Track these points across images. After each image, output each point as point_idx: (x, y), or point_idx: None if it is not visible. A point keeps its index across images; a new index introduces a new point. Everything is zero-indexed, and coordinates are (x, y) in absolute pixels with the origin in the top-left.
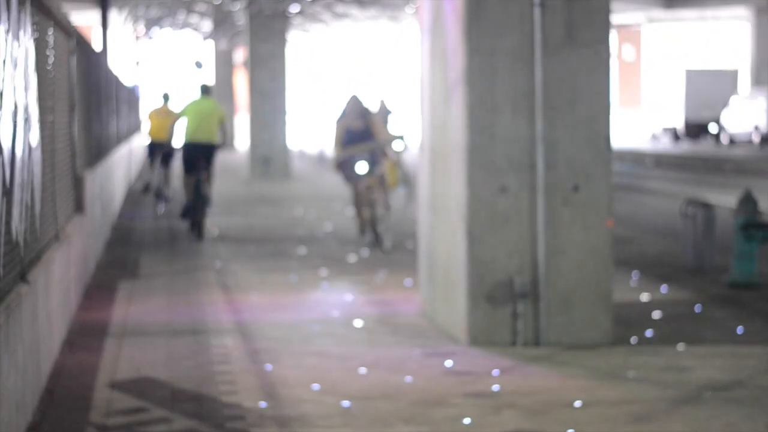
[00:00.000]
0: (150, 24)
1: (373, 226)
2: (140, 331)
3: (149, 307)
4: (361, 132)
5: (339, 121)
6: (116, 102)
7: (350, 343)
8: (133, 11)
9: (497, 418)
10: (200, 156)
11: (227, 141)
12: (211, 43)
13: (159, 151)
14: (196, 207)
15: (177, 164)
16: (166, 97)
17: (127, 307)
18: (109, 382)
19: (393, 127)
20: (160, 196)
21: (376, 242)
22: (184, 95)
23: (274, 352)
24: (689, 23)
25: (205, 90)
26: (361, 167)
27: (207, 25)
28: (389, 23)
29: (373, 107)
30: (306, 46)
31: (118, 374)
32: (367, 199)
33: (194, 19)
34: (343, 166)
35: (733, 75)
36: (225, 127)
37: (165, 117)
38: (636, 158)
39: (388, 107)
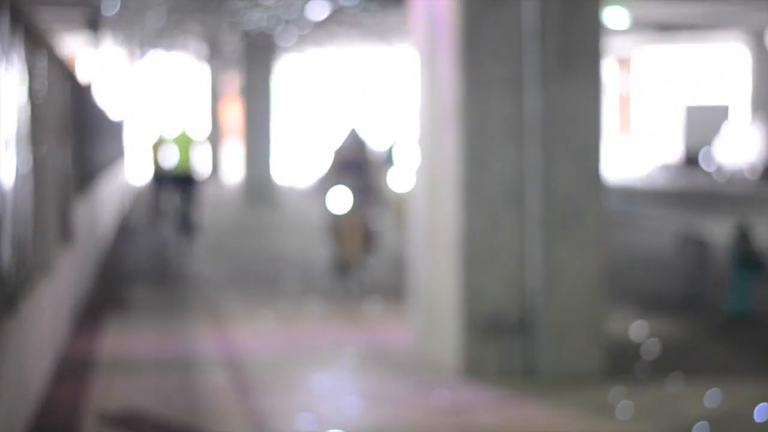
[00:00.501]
0: (140, 49)
1: (355, 267)
2: (129, 364)
3: (139, 338)
4: (356, 162)
5: (337, 151)
6: (107, 131)
7: (339, 375)
8: (123, 37)
9: None
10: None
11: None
12: (201, 70)
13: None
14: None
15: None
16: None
17: (117, 338)
18: (97, 414)
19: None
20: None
21: (348, 288)
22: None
23: (263, 383)
24: (683, 52)
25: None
26: (345, 198)
27: (198, 50)
28: (382, 45)
29: (379, 144)
30: (297, 70)
31: (106, 406)
32: (350, 233)
33: (186, 44)
34: (326, 190)
35: (725, 109)
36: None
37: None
38: (629, 189)
39: (393, 147)
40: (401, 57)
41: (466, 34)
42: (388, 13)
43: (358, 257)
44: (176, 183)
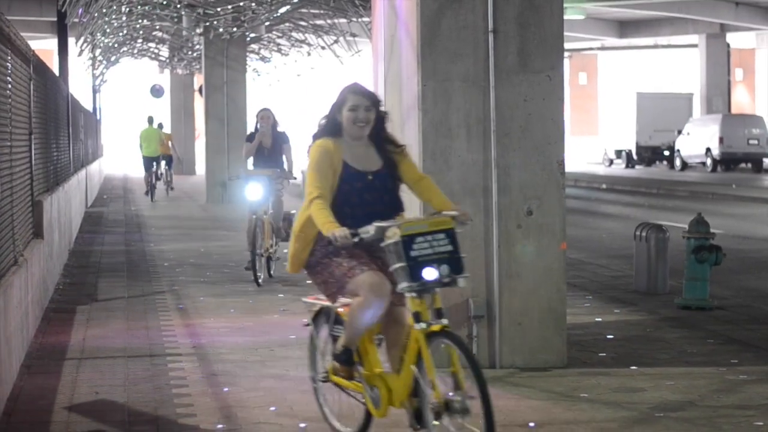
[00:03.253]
0: (108, 51)
1: (266, 258)
2: (98, 354)
3: (107, 331)
4: (272, 152)
5: (249, 139)
6: (75, 127)
7: (307, 366)
8: (91, 38)
9: None
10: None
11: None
12: (168, 69)
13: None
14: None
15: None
16: (150, 120)
17: (86, 330)
18: (67, 404)
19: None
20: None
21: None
22: (144, 119)
23: (232, 374)
24: (643, 50)
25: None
26: (254, 192)
27: (165, 51)
28: (346, 51)
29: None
30: (264, 71)
31: (76, 397)
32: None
33: (152, 45)
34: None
35: (686, 99)
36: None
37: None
38: (590, 182)
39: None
40: (364, 59)
41: (426, 31)
42: (353, 20)
43: (270, 249)
44: (153, 161)
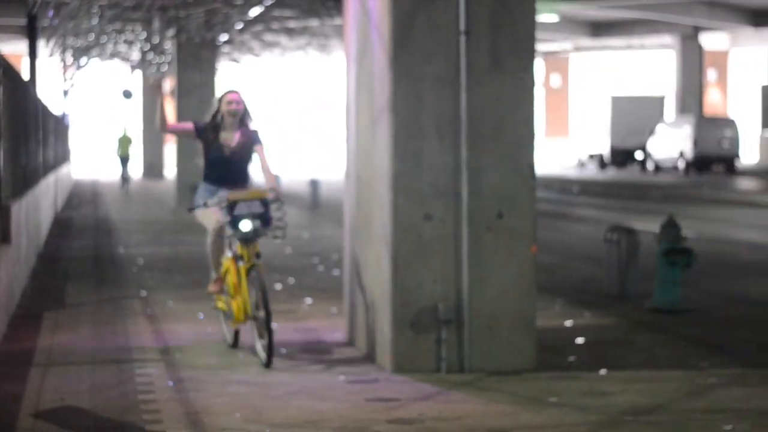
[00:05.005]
0: (78, 54)
1: (264, 323)
2: (65, 361)
3: (74, 336)
4: (239, 157)
5: (203, 130)
6: (44, 131)
7: (275, 371)
8: (61, 41)
9: None
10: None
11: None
12: (139, 72)
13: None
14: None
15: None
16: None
17: (53, 336)
18: (33, 411)
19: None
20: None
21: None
22: (115, 123)
23: (199, 380)
24: (616, 51)
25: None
26: (246, 225)
27: (135, 54)
28: (318, 53)
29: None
30: (236, 75)
31: (42, 404)
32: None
33: (123, 48)
34: (230, 218)
35: (659, 101)
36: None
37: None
38: (562, 185)
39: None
40: (337, 62)
41: (398, 32)
42: (326, 20)
43: (253, 315)
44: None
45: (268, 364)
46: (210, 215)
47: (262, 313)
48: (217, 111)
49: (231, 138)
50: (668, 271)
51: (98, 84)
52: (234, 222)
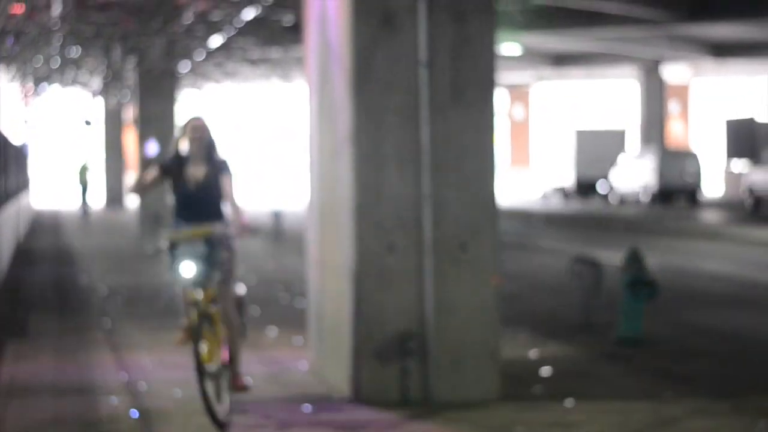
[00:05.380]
0: (39, 81)
1: (215, 373)
2: (27, 391)
3: (37, 366)
4: (207, 191)
5: (168, 168)
6: (4, 161)
7: (239, 401)
8: (22, 68)
9: None
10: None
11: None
12: (100, 100)
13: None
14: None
15: None
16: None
17: (15, 366)
18: None
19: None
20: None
21: (208, 403)
22: (76, 151)
23: (163, 411)
24: (578, 82)
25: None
26: (188, 269)
27: (96, 82)
28: (280, 82)
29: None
30: (197, 104)
31: None
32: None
33: (83, 76)
34: (172, 261)
35: (621, 134)
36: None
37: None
38: (526, 217)
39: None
40: (298, 91)
41: (358, 63)
42: (287, 50)
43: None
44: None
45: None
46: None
47: (219, 372)
48: (176, 140)
49: (198, 171)
50: (632, 303)
51: (59, 111)
52: (175, 265)
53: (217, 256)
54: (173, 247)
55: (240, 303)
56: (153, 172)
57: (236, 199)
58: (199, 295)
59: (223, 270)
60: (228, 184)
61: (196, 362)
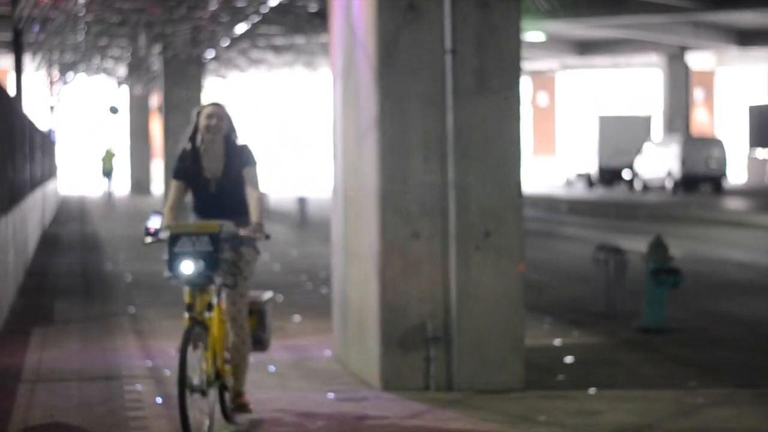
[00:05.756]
0: (64, 69)
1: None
2: (53, 377)
3: (63, 353)
4: (228, 188)
5: (183, 169)
6: (31, 147)
7: (263, 388)
8: (47, 56)
9: None
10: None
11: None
12: (126, 88)
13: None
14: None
15: None
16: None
17: (41, 352)
18: (21, 427)
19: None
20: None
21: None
22: (101, 138)
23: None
24: (603, 70)
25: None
26: (186, 267)
27: (122, 70)
28: (304, 70)
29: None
30: (222, 92)
31: (30, 420)
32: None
33: (109, 64)
34: (168, 256)
35: (646, 121)
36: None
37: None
38: (550, 204)
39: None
40: (323, 79)
41: (383, 50)
42: (312, 37)
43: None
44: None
45: None
46: None
47: (208, 386)
48: (195, 130)
49: (215, 165)
50: (655, 291)
51: (85, 99)
52: (172, 262)
53: (219, 257)
54: (174, 240)
55: (259, 312)
56: (174, 189)
57: (260, 194)
58: (196, 297)
59: (230, 273)
60: (251, 176)
61: (179, 373)
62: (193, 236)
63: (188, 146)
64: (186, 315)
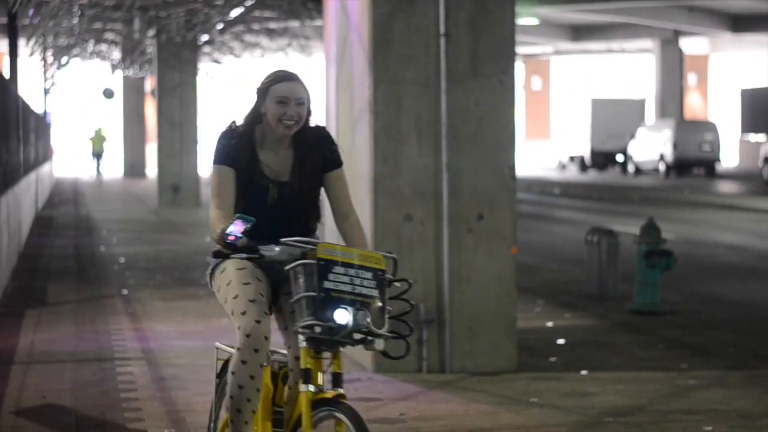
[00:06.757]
0: (59, 52)
1: None
2: (46, 359)
3: (56, 335)
4: (296, 196)
5: (235, 158)
6: (25, 129)
7: None
8: (42, 40)
9: None
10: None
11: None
12: (120, 71)
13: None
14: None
15: None
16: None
17: (34, 334)
18: (14, 409)
19: None
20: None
21: None
22: (95, 121)
23: (181, 379)
24: (597, 55)
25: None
26: (343, 317)
27: (116, 53)
28: (299, 54)
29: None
30: (217, 75)
31: (23, 402)
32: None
33: (103, 47)
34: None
35: (639, 104)
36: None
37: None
38: (543, 187)
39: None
40: (317, 64)
41: (377, 34)
42: (306, 21)
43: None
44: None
45: None
46: (249, 291)
47: None
48: (258, 113)
49: (282, 163)
50: (648, 273)
51: (79, 83)
52: (325, 303)
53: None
54: (325, 267)
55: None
56: (226, 180)
57: (354, 212)
58: (322, 362)
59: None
60: (340, 182)
61: None
62: (353, 268)
63: (245, 131)
64: (304, 388)
